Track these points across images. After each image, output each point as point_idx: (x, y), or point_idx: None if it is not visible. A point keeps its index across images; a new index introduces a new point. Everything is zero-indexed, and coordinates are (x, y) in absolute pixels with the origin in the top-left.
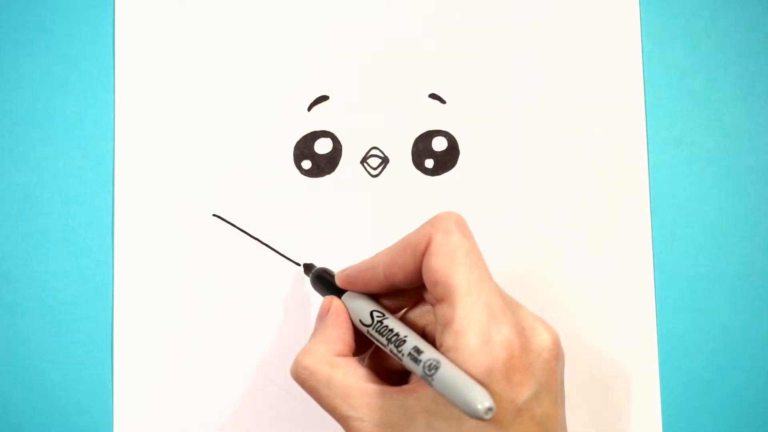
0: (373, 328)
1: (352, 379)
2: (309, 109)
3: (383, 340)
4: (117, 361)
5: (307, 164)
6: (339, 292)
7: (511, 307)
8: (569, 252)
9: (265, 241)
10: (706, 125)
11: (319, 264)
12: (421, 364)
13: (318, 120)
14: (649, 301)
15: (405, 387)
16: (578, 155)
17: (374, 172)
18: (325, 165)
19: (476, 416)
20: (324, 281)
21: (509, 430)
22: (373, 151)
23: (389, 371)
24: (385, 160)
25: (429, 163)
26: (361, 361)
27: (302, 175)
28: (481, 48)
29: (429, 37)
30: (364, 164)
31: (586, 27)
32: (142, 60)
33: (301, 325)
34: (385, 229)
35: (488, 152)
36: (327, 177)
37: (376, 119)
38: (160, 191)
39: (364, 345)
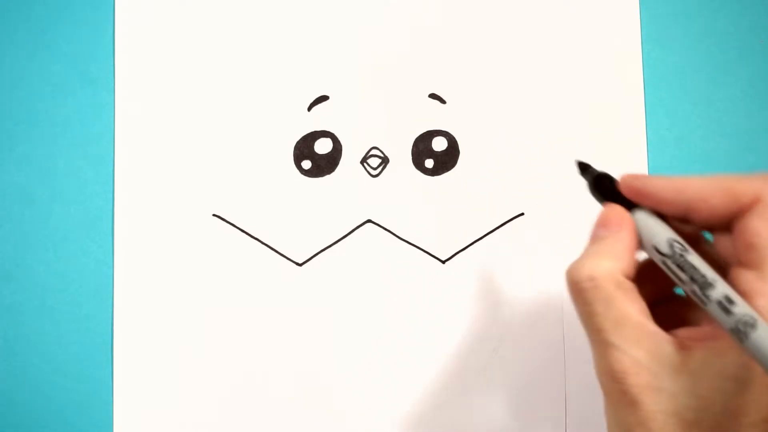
0: (672, 261)
1: (634, 308)
2: (309, 109)
3: (684, 276)
4: (117, 361)
5: (307, 164)
6: (626, 205)
7: None
8: (570, 252)
9: (265, 241)
10: (706, 125)
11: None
12: (734, 318)
13: (318, 120)
14: None
15: (678, 341)
16: (578, 155)
17: (374, 172)
18: (325, 165)
19: None
20: (607, 189)
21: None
22: (373, 151)
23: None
24: (385, 160)
25: (429, 163)
26: None
27: (302, 175)
28: (481, 48)
29: (429, 37)
30: (364, 164)
31: (586, 27)
32: (142, 60)
33: (301, 325)
34: (385, 230)
35: (488, 152)
36: (327, 177)
37: (376, 119)
38: (160, 191)
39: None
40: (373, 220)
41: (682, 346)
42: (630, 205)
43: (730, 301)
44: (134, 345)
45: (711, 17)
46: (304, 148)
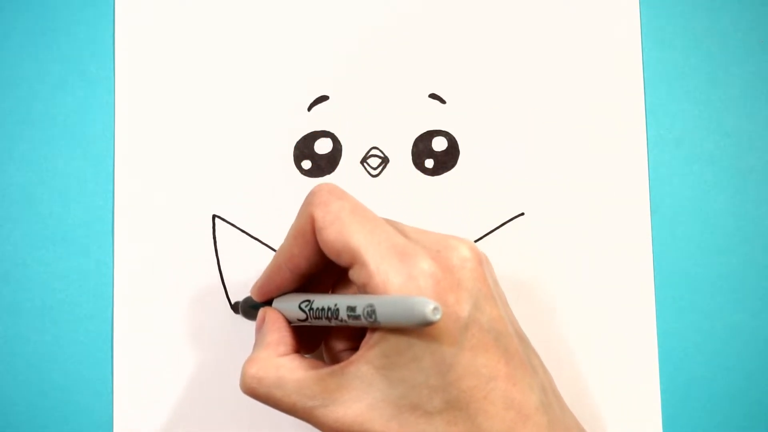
0: (311, 318)
1: (301, 371)
2: (309, 109)
3: (324, 321)
4: (117, 361)
5: (307, 164)
6: (269, 304)
7: (417, 237)
8: (569, 252)
9: (265, 242)
10: (706, 125)
11: None
12: (362, 316)
13: (318, 120)
14: (649, 301)
15: (352, 358)
16: (578, 155)
17: (374, 172)
18: (325, 165)
19: (428, 320)
20: (254, 305)
21: (465, 348)
22: (373, 151)
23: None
24: (385, 160)
25: (429, 163)
26: (319, 357)
27: (302, 175)
28: (481, 48)
29: (429, 37)
30: (364, 164)
31: (586, 27)
32: (142, 60)
33: None
34: None
35: (488, 152)
36: (327, 177)
37: (376, 119)
38: (160, 191)
39: (314, 342)
40: None
41: (359, 358)
42: (271, 302)
43: (352, 308)
44: (134, 345)
45: (711, 17)
46: (304, 148)
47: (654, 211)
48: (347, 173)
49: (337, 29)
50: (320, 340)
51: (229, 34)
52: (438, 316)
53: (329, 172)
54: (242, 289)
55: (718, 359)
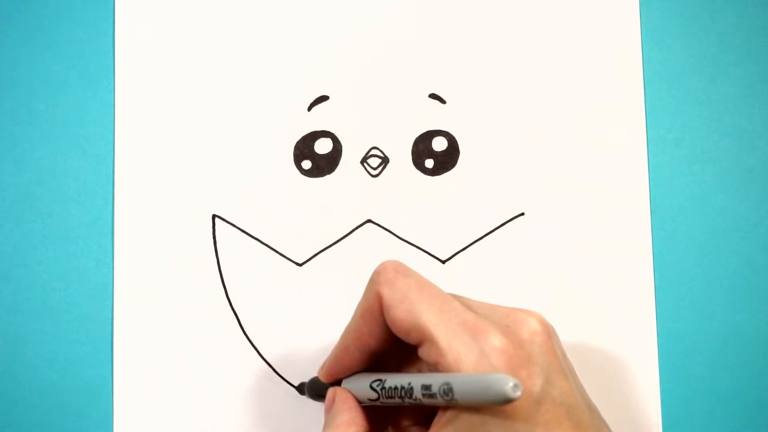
0: (383, 398)
1: None
2: (309, 109)
3: (397, 400)
4: (117, 361)
5: (307, 164)
6: (338, 383)
7: (485, 312)
8: (569, 252)
9: (265, 241)
10: (706, 125)
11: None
12: (438, 395)
13: (318, 120)
14: (649, 301)
15: None
16: (578, 155)
17: (374, 172)
18: (325, 165)
19: (508, 398)
20: (319, 386)
21: (539, 423)
22: (373, 151)
23: (418, 430)
24: (385, 160)
25: (429, 163)
26: None
27: (302, 175)
28: (481, 48)
29: (429, 37)
30: (364, 164)
31: (586, 27)
32: (142, 60)
33: (301, 324)
34: (385, 230)
35: (488, 152)
36: (327, 177)
37: (376, 119)
38: (160, 191)
39: (383, 421)
40: (373, 220)
41: None
42: (340, 383)
43: (427, 387)
44: (134, 345)
45: (711, 17)
46: (304, 148)
47: (654, 211)
48: (347, 173)
49: (337, 29)
50: (389, 420)
51: (229, 34)
52: (518, 393)
53: (329, 172)
54: (242, 289)
55: (718, 359)
